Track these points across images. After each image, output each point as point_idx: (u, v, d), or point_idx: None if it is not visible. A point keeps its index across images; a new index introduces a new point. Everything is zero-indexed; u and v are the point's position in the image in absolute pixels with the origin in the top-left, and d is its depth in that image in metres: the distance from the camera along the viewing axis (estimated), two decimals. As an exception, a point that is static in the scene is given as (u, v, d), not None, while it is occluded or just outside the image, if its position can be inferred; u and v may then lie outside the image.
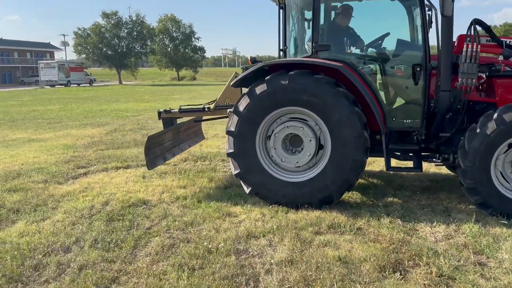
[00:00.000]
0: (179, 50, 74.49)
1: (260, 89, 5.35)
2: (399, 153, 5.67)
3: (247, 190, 5.64)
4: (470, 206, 5.42)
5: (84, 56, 67.18)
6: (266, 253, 4.22)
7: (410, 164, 5.67)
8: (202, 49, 76.93)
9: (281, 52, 6.28)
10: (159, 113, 6.98)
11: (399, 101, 5.56)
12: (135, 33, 67.41)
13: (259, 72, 5.56)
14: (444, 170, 7.09)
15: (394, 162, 5.83)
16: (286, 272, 3.81)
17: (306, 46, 6.19)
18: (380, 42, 5.91)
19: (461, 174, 5.06)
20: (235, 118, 5.50)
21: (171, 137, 6.77)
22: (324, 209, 5.34)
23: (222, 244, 4.36)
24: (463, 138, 5.04)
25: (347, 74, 5.17)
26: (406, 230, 4.72)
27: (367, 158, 5.34)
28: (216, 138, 11.22)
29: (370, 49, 5.97)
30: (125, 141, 10.76)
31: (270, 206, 5.45)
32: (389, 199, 5.82)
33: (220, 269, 3.86)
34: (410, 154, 5.74)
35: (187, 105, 6.95)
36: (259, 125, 5.47)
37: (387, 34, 5.88)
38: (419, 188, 6.30)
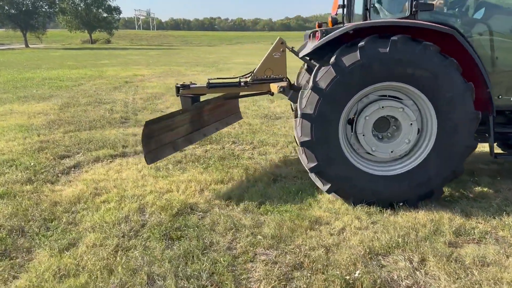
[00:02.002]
0: (92, 10, 68.55)
1: (350, 59, 4.17)
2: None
3: (323, 187, 4.51)
4: None
5: (-19, 15, 59.22)
6: (425, 281, 3.19)
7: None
8: (117, 9, 71.44)
9: (343, 11, 5.11)
10: (178, 88, 5.47)
11: (505, 76, 4.67)
12: (41, -10, 60.61)
13: (334, 38, 4.37)
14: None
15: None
16: (482, 313, 2.83)
17: (377, 4, 5.06)
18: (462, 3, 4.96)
19: None
20: (314, 97, 4.28)
21: (189, 120, 5.38)
22: (422, 207, 4.41)
23: (358, 272, 3.25)
24: None
25: (461, 41, 4.18)
26: (541, 232, 3.95)
27: (476, 145, 4.46)
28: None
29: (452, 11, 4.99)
30: (92, 119, 8.94)
31: (359, 207, 4.40)
32: (476, 189, 5.02)
33: (394, 316, 2.78)
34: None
35: (216, 78, 5.52)
36: (345, 106, 4.31)
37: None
38: (494, 172, 5.57)
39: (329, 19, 4.74)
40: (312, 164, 4.42)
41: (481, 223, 4.11)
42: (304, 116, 4.33)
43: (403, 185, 4.40)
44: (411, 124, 4.37)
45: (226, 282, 3.15)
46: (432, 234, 3.85)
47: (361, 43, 4.13)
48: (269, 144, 6.96)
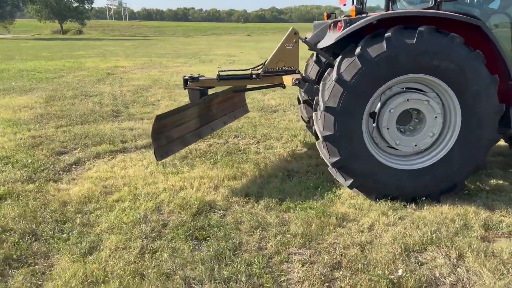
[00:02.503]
0: (62, -1, 66.51)
1: (376, 50, 4.04)
2: None
3: (345, 182, 4.40)
4: None
5: None
6: (469, 278, 3.12)
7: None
8: (89, -1, 69.54)
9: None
10: (186, 80, 5.24)
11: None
12: (9, -22, 58.41)
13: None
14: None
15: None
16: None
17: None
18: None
19: None
20: (337, 90, 4.14)
21: (198, 114, 5.19)
22: (444, 201, 4.35)
23: (401, 271, 3.15)
24: None
25: (488, 33, 4.12)
26: None
27: (498, 138, 4.43)
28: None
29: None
30: (83, 113, 8.59)
31: (382, 202, 4.30)
32: (491, 181, 4.99)
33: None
34: None
35: (227, 70, 5.31)
36: (369, 99, 4.20)
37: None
38: (504, 164, 5.56)
39: (353, 8, 4.58)
40: (335, 159, 4.30)
41: (506, 216, 4.07)
42: (328, 109, 4.19)
43: (426, 179, 4.33)
44: (435, 117, 4.28)
45: (267, 285, 3.01)
46: (463, 229, 3.79)
47: (388, 34, 4.01)
48: (273, 138, 6.81)
